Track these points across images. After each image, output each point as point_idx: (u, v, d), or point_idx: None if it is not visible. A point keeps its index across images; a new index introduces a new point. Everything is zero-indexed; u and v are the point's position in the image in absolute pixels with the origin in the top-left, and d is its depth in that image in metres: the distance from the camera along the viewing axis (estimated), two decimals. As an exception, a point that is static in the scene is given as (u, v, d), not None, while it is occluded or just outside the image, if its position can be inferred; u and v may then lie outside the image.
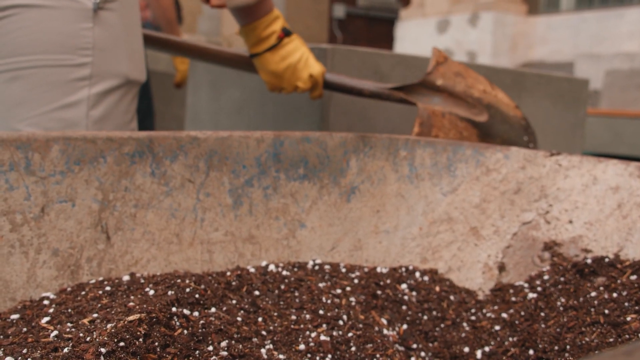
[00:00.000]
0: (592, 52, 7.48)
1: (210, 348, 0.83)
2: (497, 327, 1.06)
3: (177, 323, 0.84)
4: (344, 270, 1.18)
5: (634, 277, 0.97)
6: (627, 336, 0.88)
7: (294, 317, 1.00)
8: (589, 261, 1.04)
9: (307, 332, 0.95)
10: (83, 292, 0.93)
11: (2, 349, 0.76)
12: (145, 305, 0.83)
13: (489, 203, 1.23)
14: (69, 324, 0.81)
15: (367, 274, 1.18)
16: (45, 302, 0.90)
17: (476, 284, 1.18)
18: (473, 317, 1.10)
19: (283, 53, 1.56)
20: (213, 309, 0.93)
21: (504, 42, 8.18)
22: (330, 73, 1.63)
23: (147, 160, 1.07)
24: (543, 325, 0.98)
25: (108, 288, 0.93)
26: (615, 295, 0.96)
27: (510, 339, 1.02)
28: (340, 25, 13.30)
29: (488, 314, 1.09)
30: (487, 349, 1.02)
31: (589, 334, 0.91)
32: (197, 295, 0.93)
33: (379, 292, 1.14)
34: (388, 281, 1.17)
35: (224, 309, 0.95)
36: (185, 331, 0.84)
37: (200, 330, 0.85)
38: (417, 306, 1.13)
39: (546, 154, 1.22)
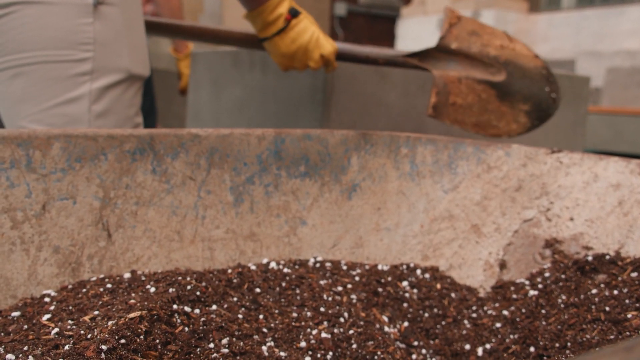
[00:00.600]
0: (593, 49, 7.47)
1: (211, 345, 0.83)
2: (498, 325, 1.05)
3: (178, 320, 0.84)
4: (345, 267, 1.18)
5: (634, 275, 0.97)
6: (627, 333, 0.88)
7: (295, 315, 1.00)
8: (589, 258, 1.04)
9: (308, 330, 0.95)
10: (84, 290, 0.93)
11: (3, 346, 0.76)
12: (146, 303, 0.83)
13: (490, 200, 1.23)
14: (69, 321, 0.81)
15: (368, 271, 1.18)
16: (46, 299, 0.91)
17: (477, 282, 1.18)
18: (474, 315, 1.10)
19: (292, 35, 1.54)
20: (214, 306, 0.93)
21: (505, 39, 8.16)
22: (343, 44, 1.61)
23: (148, 157, 1.07)
24: (544, 323, 0.98)
25: (109, 285, 0.93)
26: (616, 292, 0.96)
27: (511, 336, 1.02)
28: (342, 23, 13.28)
29: (489, 312, 1.09)
30: (488, 346, 1.02)
31: (590, 331, 0.91)
32: (198, 293, 0.93)
33: (380, 289, 1.14)
34: (389, 278, 1.17)
35: (225, 306, 0.95)
36: (186, 328, 0.84)
37: (201, 328, 0.85)
38: (418, 303, 1.13)
39: (547, 151, 1.22)
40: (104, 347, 0.73)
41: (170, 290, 0.90)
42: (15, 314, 0.86)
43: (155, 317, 0.81)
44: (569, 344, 0.91)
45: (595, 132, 4.65)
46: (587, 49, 7.53)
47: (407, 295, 1.14)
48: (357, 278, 1.16)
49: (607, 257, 1.03)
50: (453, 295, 1.15)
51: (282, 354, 0.87)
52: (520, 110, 1.55)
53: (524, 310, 1.04)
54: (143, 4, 3.48)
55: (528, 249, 1.16)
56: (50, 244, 0.96)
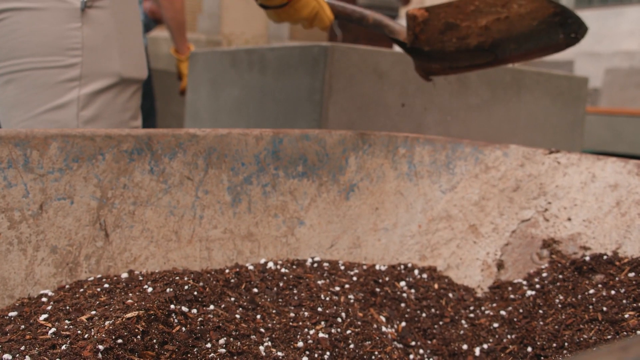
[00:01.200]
0: (591, 50, 7.48)
1: (209, 345, 0.83)
2: (495, 325, 1.06)
3: (176, 320, 0.84)
4: (342, 267, 1.18)
5: (632, 275, 0.97)
6: (625, 333, 0.88)
7: (292, 315, 1.00)
8: (587, 259, 1.04)
9: (306, 330, 0.95)
10: (81, 290, 0.93)
11: (0, 346, 0.76)
12: (143, 303, 0.83)
13: (488, 201, 1.23)
14: (67, 321, 0.81)
15: (365, 271, 1.18)
16: (44, 299, 0.90)
17: (475, 282, 1.18)
18: (472, 315, 1.10)
19: (291, 11, 1.48)
20: (211, 306, 0.93)
21: (503, 40, 8.17)
22: (338, 2, 1.54)
23: (145, 157, 1.07)
24: (541, 323, 0.98)
25: (106, 285, 0.93)
26: (613, 292, 0.96)
27: (509, 336, 1.02)
28: (340, 23, 13.27)
29: (487, 312, 1.09)
30: (485, 346, 1.02)
31: (587, 331, 0.91)
32: (195, 293, 0.93)
33: (377, 289, 1.14)
34: (387, 279, 1.17)
35: (223, 306, 0.95)
36: (184, 328, 0.84)
37: (198, 328, 0.85)
38: (416, 303, 1.13)
39: (545, 151, 1.22)
40: (101, 347, 0.73)
41: (168, 290, 0.90)
42: (13, 313, 0.86)
43: (153, 317, 0.81)
44: (566, 344, 0.91)
45: (594, 133, 4.65)
46: (585, 49, 7.53)
47: (404, 295, 1.14)
48: (354, 278, 1.16)
49: (605, 257, 1.03)
50: (451, 295, 1.15)
51: (280, 354, 0.87)
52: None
53: (521, 311, 1.04)
54: (144, 0, 3.45)
55: (526, 249, 1.16)
56: (47, 243, 0.96)
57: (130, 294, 0.89)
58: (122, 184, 1.04)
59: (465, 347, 1.03)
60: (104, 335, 0.75)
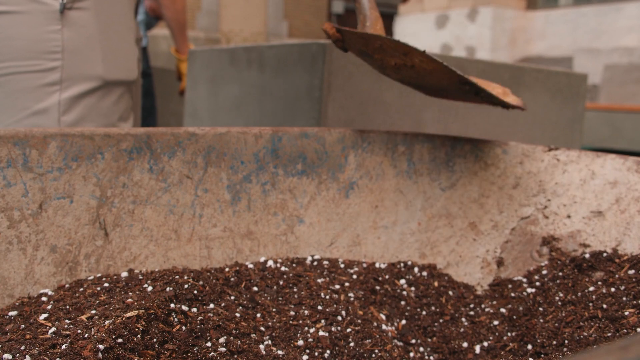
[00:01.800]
0: (590, 46, 7.48)
1: (209, 344, 0.83)
2: (495, 322, 1.06)
3: (176, 319, 0.84)
4: (342, 265, 1.18)
5: (632, 272, 0.97)
6: (625, 331, 0.88)
7: (292, 313, 1.00)
8: (587, 256, 1.04)
9: (306, 328, 0.95)
10: (81, 289, 0.93)
11: (0, 346, 0.76)
12: (143, 302, 0.83)
13: (488, 198, 1.23)
14: (67, 321, 0.81)
15: (365, 269, 1.18)
16: (44, 298, 0.90)
17: (475, 279, 1.18)
18: (472, 312, 1.10)
19: None
20: (211, 305, 0.93)
21: (502, 37, 8.17)
22: None
23: (145, 156, 1.07)
24: (541, 320, 0.98)
25: (106, 284, 0.93)
26: (613, 289, 0.96)
27: (509, 333, 1.02)
28: (339, 20, 13.28)
29: (487, 309, 1.09)
30: (485, 343, 1.02)
31: (587, 329, 0.91)
32: (195, 292, 0.93)
33: (377, 287, 1.14)
34: (387, 276, 1.17)
35: (223, 305, 0.95)
36: (184, 327, 0.84)
37: (198, 327, 0.85)
38: (416, 301, 1.13)
39: (544, 148, 1.22)
40: (101, 346, 0.73)
41: (168, 289, 0.90)
42: (12, 313, 0.86)
43: (153, 316, 0.81)
44: (566, 341, 0.91)
45: (593, 129, 4.65)
46: (584, 46, 7.53)
47: (404, 293, 1.14)
48: (354, 276, 1.16)
49: (605, 254, 1.03)
50: (450, 293, 1.15)
51: (280, 352, 0.87)
52: None
53: (521, 308, 1.04)
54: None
55: (525, 247, 1.16)
56: (47, 243, 0.96)
57: (130, 293, 0.89)
58: (121, 182, 1.04)
59: (465, 344, 1.04)
60: (104, 335, 0.75)
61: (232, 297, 0.99)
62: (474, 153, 1.28)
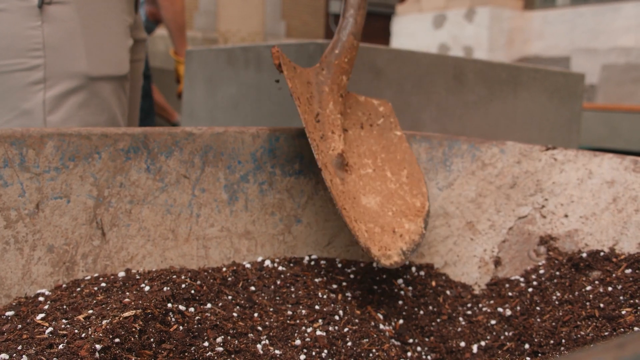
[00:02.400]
0: (588, 46, 7.49)
1: (206, 344, 0.83)
2: (493, 322, 1.06)
3: (173, 319, 0.84)
4: (340, 265, 1.18)
5: (629, 271, 0.97)
6: (622, 330, 0.88)
7: (289, 313, 1.00)
8: (584, 255, 1.04)
9: (303, 328, 0.95)
10: (78, 289, 0.93)
11: (-3, 346, 0.76)
12: (140, 301, 0.83)
13: (485, 197, 1.23)
14: (64, 321, 0.81)
15: (363, 269, 1.18)
16: (41, 298, 0.90)
17: (472, 279, 1.18)
18: (469, 312, 1.10)
19: None
20: (209, 305, 0.93)
21: (500, 37, 8.18)
22: None
23: (142, 156, 1.07)
24: (539, 320, 0.99)
25: (103, 284, 0.93)
26: (610, 289, 0.96)
27: (506, 333, 1.02)
28: (337, 20, 13.28)
29: (484, 309, 1.09)
30: (483, 343, 1.02)
31: (584, 328, 0.91)
32: (192, 291, 0.92)
33: (375, 287, 1.14)
34: (384, 276, 1.17)
35: (220, 304, 0.95)
36: (181, 327, 0.83)
37: (195, 326, 0.85)
38: (413, 301, 1.13)
39: (542, 148, 1.22)
40: (98, 346, 0.73)
41: (165, 288, 0.90)
42: (9, 313, 0.85)
43: (150, 315, 0.81)
44: (563, 340, 0.91)
45: (591, 129, 4.66)
46: (582, 46, 7.54)
47: (402, 292, 1.14)
48: (352, 276, 1.16)
49: (602, 253, 1.03)
50: (448, 292, 1.15)
51: (277, 352, 0.87)
52: None
53: (518, 308, 1.04)
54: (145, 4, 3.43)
55: (523, 246, 1.16)
56: (44, 243, 0.96)
57: (128, 293, 0.89)
58: (118, 182, 1.04)
59: (462, 344, 1.04)
60: (101, 335, 0.75)
61: (230, 297, 0.99)
62: (471, 153, 1.28)
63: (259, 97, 1.96)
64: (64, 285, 0.95)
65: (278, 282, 1.07)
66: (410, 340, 1.06)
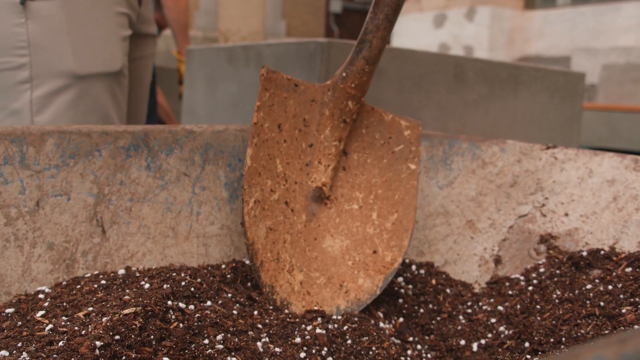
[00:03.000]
0: (588, 46, 7.48)
1: (206, 341, 0.83)
2: (493, 320, 1.06)
3: (173, 316, 0.84)
4: (340, 263, 1.18)
5: (629, 270, 0.97)
6: (622, 328, 0.88)
7: (289, 311, 0.99)
8: (584, 254, 1.04)
9: (303, 326, 0.95)
10: (78, 286, 0.92)
11: (-3, 343, 0.76)
12: (140, 299, 0.83)
13: (485, 196, 1.23)
14: (64, 318, 0.81)
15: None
16: (41, 295, 0.90)
17: (472, 277, 1.18)
18: (469, 310, 1.10)
19: None
20: (209, 302, 0.93)
21: (500, 36, 8.18)
22: None
23: (142, 153, 1.07)
24: (539, 318, 0.98)
25: (103, 282, 0.93)
26: (610, 287, 0.96)
27: (506, 331, 1.02)
28: (337, 20, 13.27)
29: (484, 307, 1.09)
30: (483, 341, 1.02)
31: (585, 326, 0.91)
32: (192, 289, 0.92)
33: (375, 285, 1.14)
34: (384, 274, 1.17)
35: (220, 302, 0.95)
36: (181, 324, 0.83)
37: (196, 324, 0.85)
38: (413, 299, 1.13)
39: (542, 147, 1.22)
40: (98, 343, 0.73)
41: (165, 286, 0.90)
42: (10, 310, 0.85)
43: (150, 313, 0.81)
44: (563, 339, 0.91)
45: (591, 129, 4.65)
46: (582, 45, 7.54)
47: (402, 291, 1.14)
48: (352, 274, 1.15)
49: (602, 252, 1.03)
50: (448, 290, 1.15)
51: (277, 349, 0.87)
52: None
53: (518, 306, 1.04)
54: None
55: (523, 245, 1.16)
56: (44, 240, 0.96)
57: (128, 290, 0.89)
58: (118, 180, 1.04)
59: (462, 342, 1.03)
60: (101, 332, 0.74)
61: (229, 295, 0.99)
62: (471, 151, 1.28)
63: (259, 95, 1.96)
64: (64, 283, 0.94)
65: (278, 280, 1.07)
66: (410, 339, 1.06)
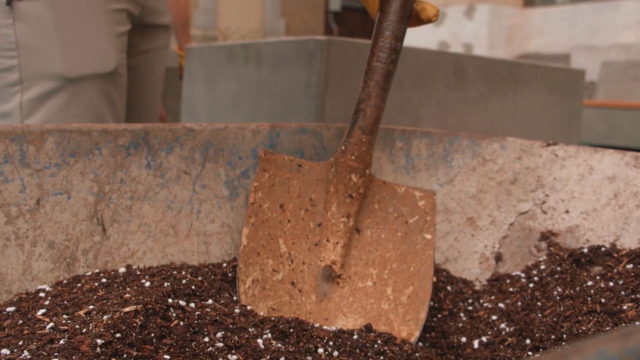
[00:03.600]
0: (588, 43, 7.48)
1: (207, 339, 0.83)
2: (494, 317, 1.06)
3: (174, 314, 0.84)
4: (340, 261, 1.18)
5: (630, 266, 0.97)
6: (623, 325, 0.88)
7: (290, 308, 0.99)
8: (585, 251, 1.04)
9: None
10: (79, 284, 0.92)
11: (-2, 341, 0.76)
12: (141, 297, 0.83)
13: (486, 193, 1.23)
14: (64, 316, 0.81)
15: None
16: (41, 294, 0.90)
17: (473, 274, 1.18)
18: (470, 307, 1.10)
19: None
20: (210, 301, 0.93)
21: (500, 34, 8.17)
22: None
23: (142, 152, 1.07)
24: (540, 315, 0.98)
25: (104, 280, 0.93)
26: (611, 284, 0.96)
27: (507, 328, 1.02)
28: (336, 18, 13.26)
29: (485, 304, 1.09)
30: (484, 339, 1.02)
31: (586, 323, 0.91)
32: (193, 287, 0.92)
33: (375, 283, 1.14)
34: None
35: (221, 300, 0.95)
36: (182, 322, 0.83)
37: (196, 322, 0.85)
38: (414, 297, 1.13)
39: (542, 144, 1.22)
40: (99, 341, 0.73)
41: (166, 284, 0.90)
42: (10, 309, 0.85)
43: (151, 311, 0.81)
44: (564, 335, 0.91)
45: (591, 126, 4.65)
46: (581, 43, 7.53)
47: (403, 288, 1.14)
48: (353, 272, 1.15)
49: (603, 249, 1.03)
50: (449, 288, 1.15)
51: (280, 345, 0.87)
52: None
53: (519, 303, 1.04)
54: None
55: (524, 242, 1.16)
56: (44, 239, 0.96)
57: (128, 289, 0.89)
58: (119, 178, 1.04)
59: (463, 339, 1.03)
60: (102, 330, 0.74)
61: (230, 293, 0.98)
62: (471, 149, 1.28)
63: (258, 93, 1.96)
64: (64, 281, 0.94)
65: (279, 278, 1.06)
66: (411, 336, 1.06)
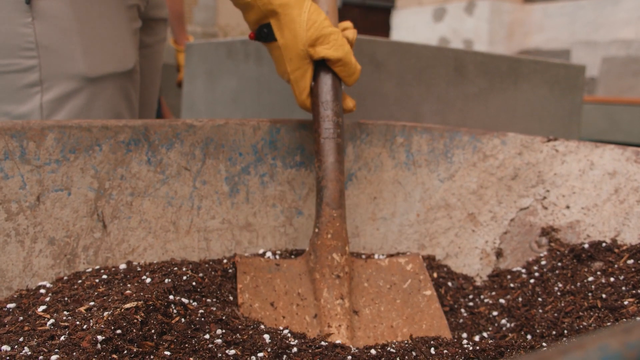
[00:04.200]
0: (588, 39, 7.47)
1: (207, 336, 0.83)
2: (494, 313, 1.06)
3: (174, 311, 0.84)
4: (341, 257, 1.18)
5: (631, 262, 0.97)
6: (624, 320, 0.88)
7: (291, 304, 0.99)
8: (586, 246, 1.04)
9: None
10: (79, 281, 0.92)
11: (-2, 338, 0.76)
12: (142, 293, 0.83)
13: (486, 189, 1.23)
14: (65, 312, 0.81)
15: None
16: (42, 290, 0.90)
17: (474, 270, 1.18)
18: (471, 303, 1.10)
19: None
20: (210, 297, 0.93)
21: (500, 30, 8.16)
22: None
23: (142, 148, 1.07)
24: (540, 311, 0.98)
25: (105, 276, 0.93)
26: (612, 279, 0.96)
27: (508, 324, 1.02)
28: (336, 15, 13.24)
29: (486, 300, 1.09)
30: (485, 334, 1.02)
31: (587, 319, 0.91)
32: (194, 283, 0.92)
33: (376, 278, 1.14)
34: (385, 268, 1.17)
35: (222, 297, 0.95)
36: (182, 319, 0.83)
37: (197, 318, 0.85)
38: (415, 292, 1.13)
39: (543, 139, 1.22)
40: (99, 337, 0.73)
41: (166, 280, 0.90)
42: (11, 305, 0.85)
43: (151, 307, 0.81)
44: (565, 331, 0.91)
45: (591, 122, 4.65)
46: (582, 38, 7.52)
47: (403, 284, 1.14)
48: (353, 267, 1.15)
49: (604, 244, 1.03)
50: (450, 284, 1.15)
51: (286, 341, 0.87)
52: None
53: (520, 299, 1.04)
54: None
55: (524, 237, 1.15)
56: (45, 235, 0.96)
57: (129, 285, 0.89)
58: (119, 174, 1.04)
59: (464, 335, 1.03)
60: (102, 326, 0.74)
61: (231, 289, 0.98)
62: (472, 144, 1.28)
63: (259, 90, 1.96)
64: (65, 278, 0.94)
65: (279, 274, 1.06)
66: (412, 332, 1.05)
